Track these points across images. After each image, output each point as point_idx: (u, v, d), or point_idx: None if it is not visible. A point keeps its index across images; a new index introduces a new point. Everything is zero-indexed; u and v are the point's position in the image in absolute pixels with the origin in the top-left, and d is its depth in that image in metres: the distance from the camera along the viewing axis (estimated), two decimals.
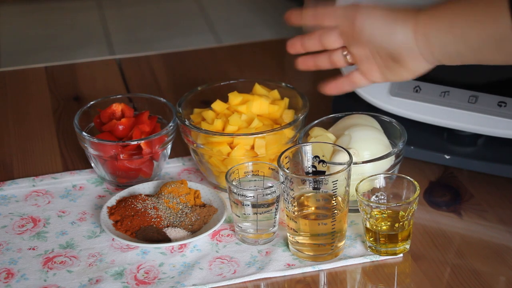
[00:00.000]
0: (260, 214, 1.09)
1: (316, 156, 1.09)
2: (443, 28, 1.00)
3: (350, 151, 1.09)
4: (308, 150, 1.09)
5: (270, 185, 1.10)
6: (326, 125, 1.20)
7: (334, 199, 1.05)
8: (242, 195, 1.08)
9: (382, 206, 1.07)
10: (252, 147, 1.17)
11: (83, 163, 1.29)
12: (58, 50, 3.19)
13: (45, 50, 3.19)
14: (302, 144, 1.09)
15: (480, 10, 0.97)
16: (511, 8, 0.93)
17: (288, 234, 1.09)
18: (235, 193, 1.09)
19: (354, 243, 1.10)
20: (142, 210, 1.12)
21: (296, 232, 1.07)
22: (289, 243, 1.09)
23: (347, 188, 1.05)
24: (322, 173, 1.08)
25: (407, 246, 1.09)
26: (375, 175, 1.10)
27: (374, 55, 1.06)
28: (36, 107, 1.46)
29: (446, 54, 1.02)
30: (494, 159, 1.19)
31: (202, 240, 1.12)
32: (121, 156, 1.19)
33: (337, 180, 1.04)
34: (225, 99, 1.23)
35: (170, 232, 1.10)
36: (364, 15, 1.05)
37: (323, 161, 1.08)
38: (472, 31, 0.98)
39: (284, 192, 1.06)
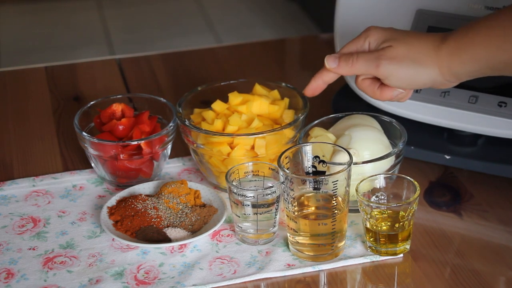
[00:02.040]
0: (260, 214, 1.09)
1: (316, 156, 1.09)
2: (466, 61, 1.02)
3: (350, 151, 1.09)
4: (308, 150, 1.09)
5: (270, 185, 1.10)
6: (326, 125, 1.20)
7: (334, 199, 1.05)
8: (242, 195, 1.08)
9: (382, 206, 1.07)
10: (252, 147, 1.17)
11: (83, 163, 1.29)
12: (58, 50, 3.19)
13: (45, 50, 3.20)
14: (302, 144, 1.09)
15: (499, 36, 0.98)
16: None
17: (288, 234, 1.09)
18: (235, 193, 1.09)
19: (354, 243, 1.10)
20: (142, 210, 1.12)
21: (296, 232, 1.07)
22: (289, 243, 1.09)
23: (347, 188, 1.05)
24: (322, 173, 1.08)
25: (407, 246, 1.09)
26: (375, 175, 1.10)
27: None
28: (36, 107, 1.46)
29: (472, 77, 1.04)
30: (494, 159, 1.19)
31: (202, 240, 1.12)
32: (121, 156, 1.19)
33: (337, 180, 1.04)
34: (225, 99, 1.23)
35: (170, 232, 1.10)
36: (386, 65, 1.04)
37: (323, 161, 1.08)
38: (496, 58, 1.00)
39: (284, 192, 1.06)
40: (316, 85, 1.10)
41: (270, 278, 1.06)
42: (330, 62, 1.08)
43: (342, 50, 1.09)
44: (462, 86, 1.20)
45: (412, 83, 1.05)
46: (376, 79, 1.07)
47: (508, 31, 0.98)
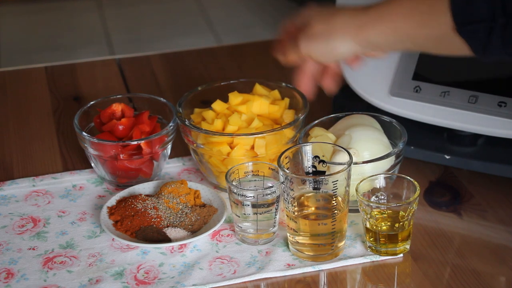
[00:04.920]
0: (260, 214, 1.09)
1: (316, 156, 1.09)
2: (386, 31, 1.02)
3: (350, 151, 1.09)
4: (308, 150, 1.09)
5: (270, 185, 1.10)
6: (326, 125, 1.20)
7: (334, 199, 1.05)
8: (242, 195, 1.08)
9: (382, 206, 1.07)
10: (252, 147, 1.17)
11: (83, 163, 1.29)
12: (58, 50, 3.19)
13: (45, 50, 3.20)
14: (302, 144, 1.09)
15: (423, 12, 0.98)
16: (451, 8, 0.95)
17: (288, 234, 1.09)
18: (235, 193, 1.09)
19: (354, 243, 1.10)
20: (142, 210, 1.12)
21: (296, 232, 1.07)
22: (289, 243, 1.09)
23: (347, 188, 1.05)
24: (322, 173, 1.08)
25: (407, 246, 1.09)
26: (375, 175, 1.10)
27: None
28: (36, 107, 1.46)
29: (394, 48, 1.06)
30: (494, 159, 1.19)
31: (202, 240, 1.12)
32: (121, 156, 1.19)
33: (337, 180, 1.04)
34: (225, 99, 1.23)
35: (170, 232, 1.10)
36: (304, 44, 1.07)
37: (323, 161, 1.08)
38: (416, 33, 1.00)
39: (284, 192, 1.06)
40: (305, 84, 1.13)
41: (270, 278, 1.06)
42: (279, 57, 1.12)
43: (280, 31, 1.12)
44: (462, 86, 1.20)
45: (333, 56, 1.07)
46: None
47: (433, 9, 0.97)
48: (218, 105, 1.23)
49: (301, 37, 1.07)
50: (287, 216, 1.07)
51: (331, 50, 1.05)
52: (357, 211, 1.09)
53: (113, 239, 1.12)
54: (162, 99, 1.28)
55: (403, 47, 1.04)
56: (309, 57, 1.08)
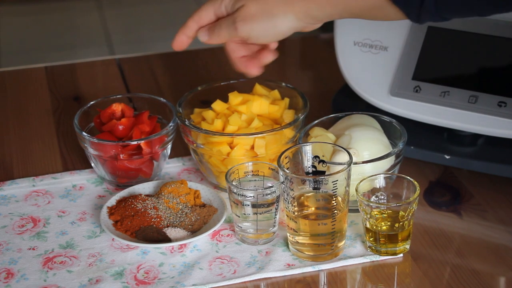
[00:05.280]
0: (260, 214, 1.09)
1: (316, 156, 1.09)
2: (324, 4, 1.03)
3: (350, 151, 1.09)
4: (308, 150, 1.09)
5: (270, 185, 1.10)
6: (326, 125, 1.20)
7: (334, 199, 1.05)
8: (242, 195, 1.08)
9: (382, 206, 1.07)
10: (252, 147, 1.17)
11: (83, 163, 1.29)
12: (58, 50, 3.19)
13: (45, 50, 3.20)
14: (302, 144, 1.09)
15: None
16: None
17: (288, 234, 1.09)
18: (235, 193, 1.09)
19: (354, 243, 1.10)
20: (142, 210, 1.12)
21: (296, 232, 1.07)
22: (289, 243, 1.09)
23: (347, 188, 1.05)
24: (322, 173, 1.08)
25: (407, 246, 1.09)
26: (375, 175, 1.10)
27: None
28: (36, 107, 1.46)
29: (334, 19, 1.07)
30: (494, 159, 1.19)
31: (202, 240, 1.12)
32: (121, 156, 1.19)
33: (337, 180, 1.04)
34: (225, 99, 1.23)
35: (170, 232, 1.10)
36: (242, 26, 1.07)
37: (323, 161, 1.08)
38: (352, 4, 1.02)
39: (284, 192, 1.06)
40: (181, 40, 1.13)
41: (270, 278, 1.06)
42: (202, 36, 1.11)
43: (200, 13, 1.12)
44: (462, 86, 1.20)
45: (274, 36, 1.07)
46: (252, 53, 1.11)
47: None
48: (218, 105, 1.23)
49: (236, 19, 1.06)
50: (287, 216, 1.07)
51: (272, 28, 1.05)
52: (357, 211, 1.09)
53: (113, 239, 1.12)
54: (162, 99, 1.28)
55: (341, 17, 1.05)
56: (248, 38, 1.07)
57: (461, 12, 0.98)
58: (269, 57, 1.12)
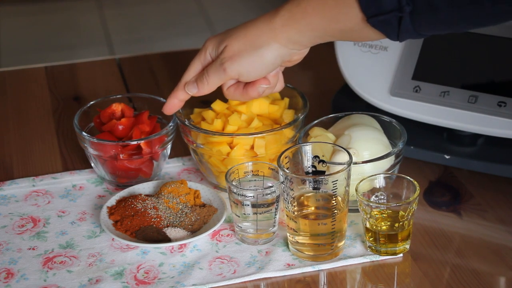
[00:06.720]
0: (260, 214, 1.09)
1: (316, 156, 1.09)
2: (303, 29, 1.03)
3: (350, 151, 1.09)
4: (308, 150, 1.09)
5: (270, 185, 1.10)
6: (326, 125, 1.20)
7: (334, 199, 1.05)
8: (242, 195, 1.08)
9: (382, 206, 1.07)
10: (252, 147, 1.17)
11: (83, 163, 1.29)
12: (58, 50, 3.19)
13: (45, 50, 3.20)
14: (302, 144, 1.09)
15: (332, 7, 1.00)
16: (359, 2, 0.98)
17: (288, 234, 1.09)
18: (235, 193, 1.09)
19: (354, 243, 1.10)
20: (142, 210, 1.12)
21: (296, 232, 1.07)
22: (289, 243, 1.09)
23: (347, 188, 1.05)
24: (322, 173, 1.08)
25: (407, 246, 1.09)
26: (375, 175, 1.10)
27: None
28: (36, 107, 1.46)
29: (317, 42, 1.06)
30: (494, 159, 1.19)
31: (202, 240, 1.12)
32: (121, 156, 1.19)
33: (337, 180, 1.04)
34: (225, 99, 1.23)
35: (170, 232, 1.10)
36: (230, 65, 1.06)
37: (323, 161, 1.08)
38: (331, 27, 1.02)
39: (284, 192, 1.06)
40: (172, 104, 1.13)
41: (270, 278, 1.06)
42: (190, 88, 1.11)
43: (189, 71, 1.12)
44: (462, 86, 1.20)
45: (263, 68, 1.07)
46: (238, 81, 1.10)
47: (341, 3, 0.99)
48: (217, 105, 1.23)
49: (223, 60, 1.06)
50: (287, 216, 1.07)
51: (260, 59, 1.05)
52: (357, 211, 1.09)
53: (113, 239, 1.12)
54: (162, 99, 1.28)
55: (324, 40, 1.05)
56: (239, 76, 1.07)
57: (437, 29, 0.99)
58: (263, 83, 1.11)
